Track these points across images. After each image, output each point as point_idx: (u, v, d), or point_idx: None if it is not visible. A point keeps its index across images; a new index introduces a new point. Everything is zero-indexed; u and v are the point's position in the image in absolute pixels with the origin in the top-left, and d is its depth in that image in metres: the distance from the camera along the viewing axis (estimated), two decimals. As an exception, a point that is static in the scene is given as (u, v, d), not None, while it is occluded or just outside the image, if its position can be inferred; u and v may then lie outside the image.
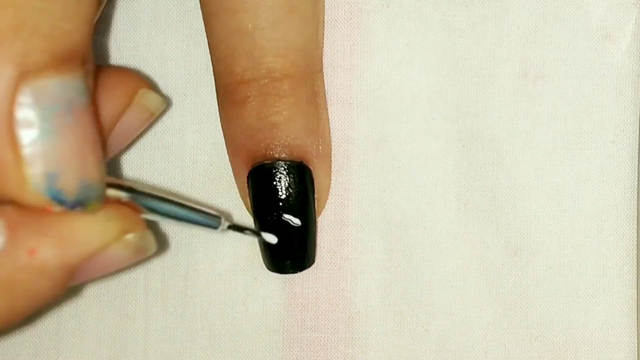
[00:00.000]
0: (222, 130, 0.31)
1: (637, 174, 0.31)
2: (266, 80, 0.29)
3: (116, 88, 0.28)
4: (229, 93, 0.29)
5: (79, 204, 0.23)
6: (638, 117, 0.31)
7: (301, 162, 0.30)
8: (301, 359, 0.32)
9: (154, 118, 0.31)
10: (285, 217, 0.30)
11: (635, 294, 0.31)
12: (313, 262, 0.31)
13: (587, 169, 0.31)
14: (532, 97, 0.31)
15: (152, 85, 0.30)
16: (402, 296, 0.32)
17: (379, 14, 0.31)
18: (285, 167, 0.29)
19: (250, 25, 0.28)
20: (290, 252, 0.31)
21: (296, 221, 0.30)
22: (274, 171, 0.29)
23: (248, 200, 0.31)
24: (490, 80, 0.31)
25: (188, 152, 0.32)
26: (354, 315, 0.32)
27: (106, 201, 0.25)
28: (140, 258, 0.26)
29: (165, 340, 0.32)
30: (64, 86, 0.23)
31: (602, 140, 0.31)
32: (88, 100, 0.23)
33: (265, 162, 0.29)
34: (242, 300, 0.32)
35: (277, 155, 0.29)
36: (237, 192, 0.31)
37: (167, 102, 0.31)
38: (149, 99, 0.29)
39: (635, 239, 0.31)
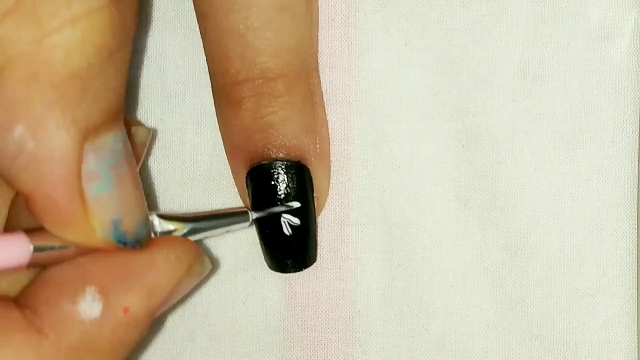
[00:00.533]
0: (220, 131, 0.31)
1: (636, 174, 0.31)
2: (261, 81, 0.29)
3: None
4: (225, 94, 0.29)
5: (137, 243, 0.25)
6: (637, 117, 0.31)
7: (299, 161, 0.30)
8: (301, 359, 0.32)
9: (146, 149, 0.31)
10: (284, 217, 0.30)
11: (636, 294, 0.31)
12: (315, 260, 0.31)
13: (586, 169, 0.31)
14: (531, 97, 0.31)
15: (135, 120, 0.32)
16: (402, 296, 0.32)
17: (377, 14, 0.31)
18: (283, 166, 0.30)
19: (242, 26, 0.28)
20: (292, 251, 0.31)
21: (295, 220, 0.30)
22: (272, 171, 0.30)
23: (248, 200, 0.31)
24: (489, 80, 0.31)
25: (188, 153, 0.32)
26: (354, 315, 0.32)
27: (165, 239, 0.27)
28: (198, 281, 0.27)
29: (166, 340, 0.32)
30: (116, 140, 0.25)
31: (601, 140, 0.31)
32: (128, 147, 0.26)
33: (263, 162, 0.29)
34: (242, 300, 0.32)
35: (274, 155, 0.29)
36: (237, 192, 0.31)
37: (152, 131, 0.31)
38: (140, 135, 0.30)
39: (635, 238, 0.31)
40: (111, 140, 0.24)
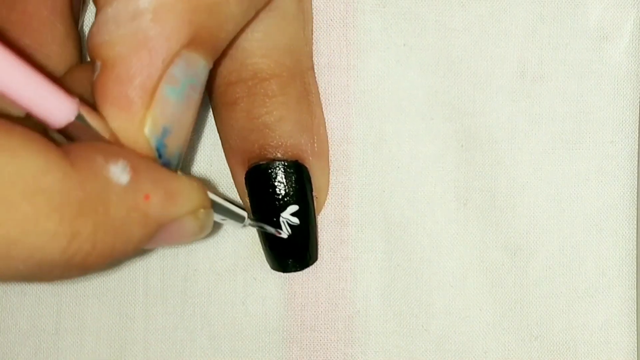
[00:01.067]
0: (218, 132, 0.31)
1: (636, 174, 0.31)
2: (254, 81, 0.29)
3: None
4: (219, 95, 0.30)
5: (168, 164, 0.25)
6: (637, 117, 0.31)
7: (297, 161, 0.30)
8: (301, 359, 0.32)
9: None
10: (283, 217, 0.30)
11: (635, 294, 0.31)
12: (315, 259, 0.31)
13: (586, 169, 0.31)
14: (530, 97, 0.31)
15: None
16: (401, 296, 0.32)
17: (376, 14, 0.31)
18: (281, 166, 0.30)
19: None
20: (292, 250, 0.31)
21: (294, 220, 0.30)
22: (270, 171, 0.30)
23: (247, 200, 0.31)
24: (488, 81, 0.31)
25: (188, 153, 0.32)
26: (353, 315, 0.32)
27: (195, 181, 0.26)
28: (199, 236, 0.27)
29: (165, 340, 0.32)
30: (204, 68, 0.26)
31: (600, 140, 0.31)
32: (203, 89, 0.26)
33: (261, 162, 0.30)
34: (241, 300, 0.32)
35: (271, 156, 0.30)
36: (237, 193, 0.31)
37: None
38: None
39: (635, 239, 0.31)
40: (202, 65, 0.25)
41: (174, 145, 0.25)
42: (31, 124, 0.23)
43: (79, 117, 0.24)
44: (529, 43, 0.31)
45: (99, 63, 0.24)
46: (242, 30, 0.28)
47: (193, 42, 0.25)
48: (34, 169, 0.22)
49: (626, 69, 0.31)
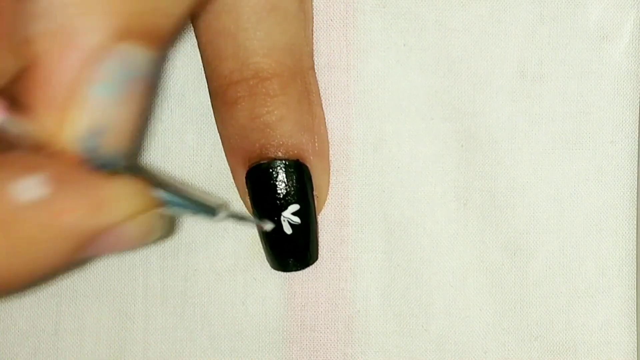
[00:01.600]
0: (218, 131, 0.31)
1: (636, 174, 0.31)
2: (255, 81, 0.29)
3: None
4: (220, 95, 0.30)
5: (106, 166, 0.24)
6: (637, 117, 0.31)
7: (297, 160, 0.30)
8: (301, 359, 0.32)
9: None
10: (284, 216, 0.30)
11: (635, 294, 0.31)
12: (316, 258, 0.31)
13: (586, 169, 0.31)
14: (530, 97, 0.31)
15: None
16: (401, 296, 0.32)
17: (376, 14, 0.31)
18: (282, 166, 0.30)
19: (232, 27, 0.28)
20: (293, 249, 0.31)
21: (295, 219, 0.30)
22: (271, 171, 0.30)
23: (248, 200, 0.31)
24: (488, 81, 0.31)
25: (188, 153, 0.32)
26: (353, 315, 0.32)
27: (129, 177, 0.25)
28: (146, 241, 0.25)
29: (165, 341, 0.32)
30: (147, 59, 0.24)
31: (600, 141, 0.31)
32: (155, 82, 0.25)
33: (262, 162, 0.30)
34: (241, 300, 0.32)
35: (272, 155, 0.29)
36: (237, 192, 0.31)
37: None
38: None
39: (635, 239, 0.31)
40: (142, 56, 0.24)
41: (112, 145, 0.24)
42: None
43: (6, 122, 0.23)
44: (529, 43, 0.31)
45: (21, 60, 0.23)
46: (245, 29, 0.28)
47: (128, 34, 0.23)
48: None
49: (626, 69, 0.31)
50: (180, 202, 0.27)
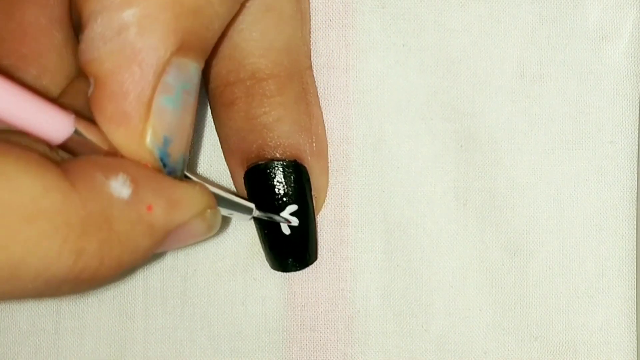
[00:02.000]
0: (216, 132, 0.31)
1: (635, 174, 0.31)
2: (251, 82, 0.29)
3: None
4: (217, 95, 0.30)
5: (173, 172, 0.26)
6: (636, 117, 0.31)
7: (295, 160, 0.30)
8: (301, 359, 0.32)
9: None
10: (282, 216, 0.30)
11: (635, 294, 0.31)
12: (315, 259, 0.31)
13: (585, 170, 0.31)
14: (529, 97, 0.31)
15: None
16: (401, 296, 0.32)
17: (375, 15, 0.31)
18: (280, 166, 0.30)
19: (228, 28, 0.28)
20: (292, 249, 0.31)
21: (293, 220, 0.30)
22: (269, 171, 0.30)
23: (247, 200, 0.31)
24: (488, 81, 0.31)
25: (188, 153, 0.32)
26: (353, 315, 0.32)
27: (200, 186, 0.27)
28: (207, 235, 0.27)
29: (165, 340, 0.32)
30: (196, 71, 0.26)
31: (600, 141, 0.31)
32: (198, 91, 0.26)
33: (260, 162, 0.30)
34: (241, 301, 0.32)
35: (270, 156, 0.30)
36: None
37: None
38: None
39: (634, 239, 0.31)
40: (193, 69, 0.25)
41: (177, 152, 0.26)
42: (31, 140, 0.24)
43: (77, 132, 0.24)
44: (529, 43, 0.31)
45: (92, 79, 0.24)
46: (240, 30, 0.28)
47: (182, 48, 0.25)
48: (32, 192, 0.22)
49: (625, 69, 0.31)
50: (228, 200, 0.28)
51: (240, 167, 0.30)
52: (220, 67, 0.29)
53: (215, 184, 0.31)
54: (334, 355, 0.32)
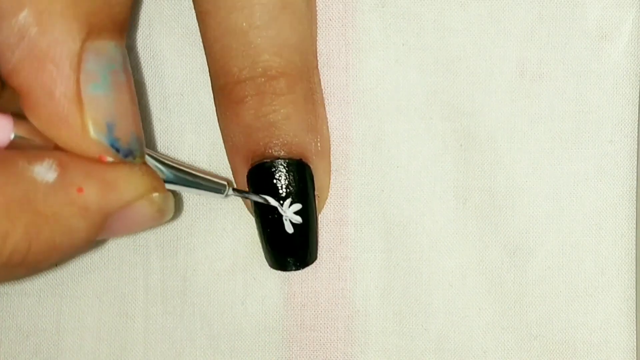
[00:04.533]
0: (220, 130, 0.31)
1: (635, 173, 0.31)
2: (263, 79, 0.29)
3: None
4: (226, 93, 0.30)
5: (130, 154, 0.26)
6: (636, 117, 0.31)
7: (300, 159, 0.30)
8: (300, 358, 0.32)
9: None
10: (286, 215, 0.30)
11: (634, 293, 0.31)
12: (315, 258, 0.31)
13: (585, 169, 0.31)
14: (529, 96, 0.31)
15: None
16: (401, 295, 0.32)
17: (375, 14, 0.31)
18: (285, 164, 0.30)
19: (244, 24, 0.28)
20: (293, 248, 0.31)
21: (297, 219, 0.30)
22: (274, 169, 0.30)
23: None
24: (488, 80, 0.31)
25: (187, 152, 0.33)
26: (353, 315, 0.32)
27: (146, 167, 0.27)
28: (159, 221, 0.27)
29: (165, 340, 0.32)
30: (116, 49, 0.25)
31: (599, 140, 0.31)
32: (129, 65, 0.26)
33: (265, 160, 0.30)
34: (241, 300, 0.32)
35: (276, 154, 0.30)
36: (237, 191, 0.32)
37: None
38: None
39: (634, 238, 0.31)
40: (112, 47, 0.25)
41: (126, 134, 0.26)
42: None
43: (19, 137, 0.24)
44: (528, 43, 0.31)
45: (17, 90, 0.24)
46: (257, 27, 0.28)
47: (92, 32, 0.24)
48: None
49: (625, 69, 0.31)
50: (190, 180, 0.28)
51: (244, 164, 0.30)
52: (232, 64, 0.29)
53: (184, 163, 0.30)
54: (333, 355, 0.32)
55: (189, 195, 0.32)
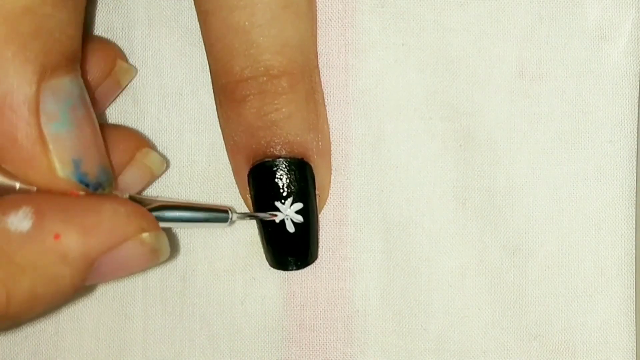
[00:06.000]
0: (221, 129, 0.31)
1: (634, 174, 0.31)
2: (265, 78, 0.29)
3: (117, 145, 0.30)
4: (228, 92, 0.29)
5: (99, 186, 0.26)
6: (635, 117, 0.31)
7: (302, 158, 0.30)
8: (300, 358, 0.32)
9: (154, 179, 0.32)
10: (287, 214, 0.30)
11: (634, 293, 0.31)
12: (316, 257, 0.31)
13: (584, 169, 0.31)
14: (528, 97, 0.31)
15: (152, 146, 0.32)
16: (400, 295, 0.32)
17: (374, 14, 0.31)
18: (286, 163, 0.30)
19: (247, 23, 0.28)
20: (293, 248, 0.31)
21: (298, 218, 0.30)
22: (275, 168, 0.30)
23: (249, 198, 0.31)
24: (487, 80, 0.31)
25: (186, 152, 0.32)
26: (352, 315, 0.32)
27: (124, 199, 0.27)
28: (154, 261, 0.26)
29: (164, 341, 0.32)
30: (72, 83, 0.25)
31: (599, 140, 0.31)
32: (88, 96, 0.26)
33: (266, 159, 0.30)
34: (240, 300, 0.32)
35: (277, 153, 0.30)
36: (236, 191, 0.32)
37: (166, 163, 0.32)
38: (150, 159, 0.31)
39: (634, 238, 0.31)
40: (68, 83, 0.25)
41: (94, 167, 0.25)
42: None
43: None
44: (528, 43, 0.31)
45: None
46: (259, 25, 0.28)
47: (45, 72, 0.24)
48: None
49: (625, 69, 0.31)
50: (187, 216, 0.28)
51: (246, 163, 0.30)
52: (234, 63, 0.29)
53: (177, 200, 0.30)
54: (333, 355, 0.32)
55: (189, 196, 0.32)
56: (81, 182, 0.25)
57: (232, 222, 0.29)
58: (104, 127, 0.28)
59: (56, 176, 0.25)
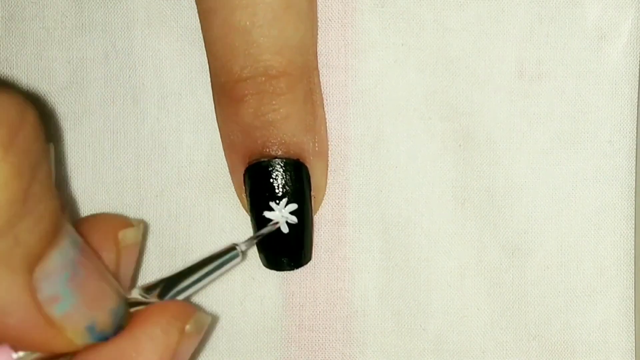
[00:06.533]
0: (219, 127, 0.31)
1: (634, 173, 0.31)
2: (263, 78, 0.29)
3: (95, 233, 0.28)
4: (226, 91, 0.29)
5: (118, 329, 0.26)
6: (635, 117, 0.31)
7: (298, 159, 0.30)
8: (299, 358, 0.32)
9: (142, 246, 0.32)
10: (282, 215, 0.30)
11: (633, 293, 0.31)
12: (310, 259, 0.31)
13: (584, 169, 0.31)
14: (528, 96, 0.31)
15: (125, 220, 0.30)
16: (399, 295, 0.32)
17: (374, 14, 0.31)
18: (282, 164, 0.30)
19: (248, 23, 0.28)
20: (287, 249, 0.31)
21: (292, 219, 0.30)
22: (271, 169, 0.30)
23: (244, 197, 0.31)
24: (487, 80, 0.31)
25: (185, 152, 0.32)
26: (351, 315, 0.32)
27: (156, 312, 0.27)
28: (202, 335, 0.27)
29: (163, 340, 0.32)
30: (62, 253, 0.24)
31: (598, 140, 0.31)
32: (80, 246, 0.25)
33: (262, 159, 0.30)
34: (240, 300, 0.32)
35: (273, 153, 0.30)
36: (234, 191, 0.31)
37: (144, 225, 0.31)
38: (130, 236, 0.30)
39: (633, 238, 0.31)
40: (58, 257, 0.24)
41: (106, 321, 0.25)
42: None
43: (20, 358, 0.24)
44: (527, 43, 0.31)
45: None
46: (260, 26, 0.28)
47: (32, 265, 0.23)
48: None
49: (624, 69, 0.31)
50: (202, 274, 0.28)
51: (242, 163, 0.30)
52: (234, 62, 0.29)
53: (180, 268, 0.29)
54: (332, 355, 0.32)
55: (188, 196, 0.32)
56: (99, 339, 0.25)
57: (244, 254, 0.29)
58: (78, 223, 0.28)
59: (76, 346, 0.25)
